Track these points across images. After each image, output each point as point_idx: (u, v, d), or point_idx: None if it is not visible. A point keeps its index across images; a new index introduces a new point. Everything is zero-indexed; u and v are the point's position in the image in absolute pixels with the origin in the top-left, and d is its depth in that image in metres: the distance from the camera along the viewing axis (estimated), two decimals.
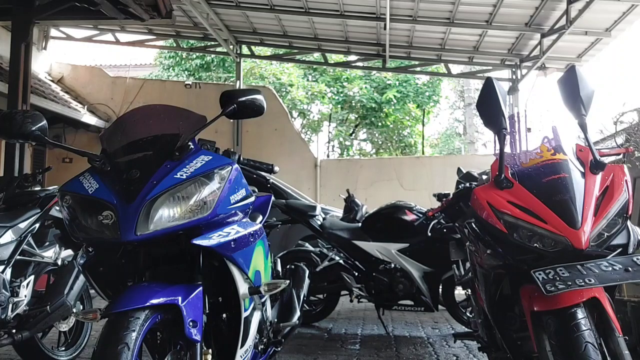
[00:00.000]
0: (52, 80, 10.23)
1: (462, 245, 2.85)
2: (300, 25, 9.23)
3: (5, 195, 3.05)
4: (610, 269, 1.66)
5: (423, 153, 14.39)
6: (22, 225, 2.88)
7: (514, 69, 9.43)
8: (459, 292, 4.40)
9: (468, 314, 4.17)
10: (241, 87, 9.73)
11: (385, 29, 7.96)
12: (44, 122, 1.90)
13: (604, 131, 5.62)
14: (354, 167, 10.43)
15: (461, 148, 19.07)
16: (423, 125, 14.89)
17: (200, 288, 1.71)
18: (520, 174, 1.98)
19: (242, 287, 1.86)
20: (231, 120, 9.07)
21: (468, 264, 2.75)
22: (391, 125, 14.50)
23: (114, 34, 10.50)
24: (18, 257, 2.84)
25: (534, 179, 1.92)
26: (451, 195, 3.20)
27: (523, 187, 1.91)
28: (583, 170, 1.91)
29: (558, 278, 1.65)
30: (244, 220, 1.97)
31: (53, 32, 10.41)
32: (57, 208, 3.04)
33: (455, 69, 12.43)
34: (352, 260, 4.38)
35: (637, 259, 1.68)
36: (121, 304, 1.54)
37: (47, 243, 3.17)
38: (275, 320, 2.51)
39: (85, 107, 9.81)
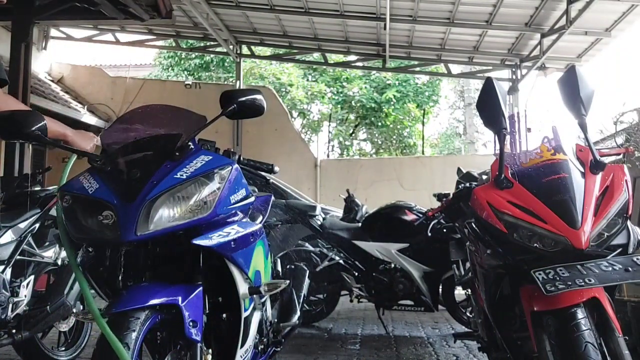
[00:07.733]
0: (52, 80, 10.23)
1: (462, 245, 2.85)
2: (300, 25, 9.23)
3: (5, 195, 3.05)
4: (610, 269, 1.66)
5: (423, 153, 14.37)
6: (22, 225, 2.87)
7: (514, 69, 9.42)
8: (459, 292, 4.40)
9: (468, 314, 4.17)
10: (241, 87, 9.73)
11: (385, 29, 7.95)
12: (44, 122, 1.89)
13: (604, 131, 5.63)
14: (354, 167, 10.42)
15: (461, 148, 19.07)
16: (423, 125, 14.88)
17: (200, 288, 1.71)
18: (520, 174, 1.98)
19: (242, 287, 1.85)
20: (231, 120, 9.06)
21: (468, 264, 2.75)
22: (391, 125, 14.49)
23: (114, 34, 10.50)
24: (18, 257, 2.83)
25: (534, 179, 1.92)
26: (451, 195, 3.19)
27: (523, 187, 1.90)
28: (583, 170, 1.91)
29: (558, 278, 1.65)
30: (244, 220, 1.96)
31: (53, 32, 10.40)
32: None
33: (455, 69, 12.42)
34: (352, 260, 4.37)
35: (637, 259, 1.68)
36: (121, 304, 1.54)
37: (47, 243, 3.16)
38: (275, 320, 2.50)
39: (85, 107, 9.81)
